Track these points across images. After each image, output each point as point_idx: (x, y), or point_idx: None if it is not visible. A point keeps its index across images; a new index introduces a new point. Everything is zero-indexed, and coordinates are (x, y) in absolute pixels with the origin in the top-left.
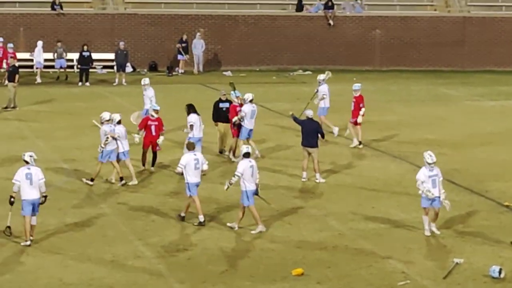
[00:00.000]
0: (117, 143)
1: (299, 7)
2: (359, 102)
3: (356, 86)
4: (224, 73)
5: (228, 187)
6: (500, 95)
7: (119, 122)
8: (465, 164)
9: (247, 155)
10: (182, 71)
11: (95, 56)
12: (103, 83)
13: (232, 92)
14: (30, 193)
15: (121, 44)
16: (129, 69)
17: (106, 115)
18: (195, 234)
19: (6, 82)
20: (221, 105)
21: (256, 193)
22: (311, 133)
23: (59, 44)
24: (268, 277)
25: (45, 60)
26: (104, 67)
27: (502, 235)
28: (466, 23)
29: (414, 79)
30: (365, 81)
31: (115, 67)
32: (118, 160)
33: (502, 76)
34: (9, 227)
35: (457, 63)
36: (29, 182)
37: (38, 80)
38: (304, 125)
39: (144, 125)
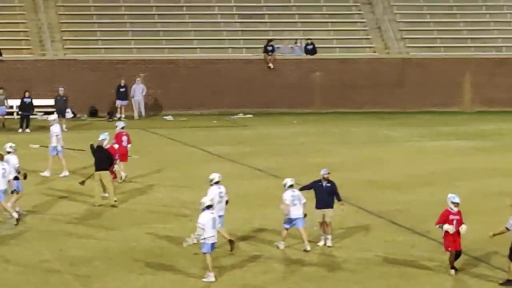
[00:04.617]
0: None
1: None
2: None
3: (117, 123)
4: (165, 117)
5: None
6: (440, 135)
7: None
8: (407, 205)
9: None
10: (123, 116)
11: (35, 102)
12: (43, 129)
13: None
14: None
15: (61, 90)
16: (69, 114)
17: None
18: (138, 280)
19: None
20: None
21: None
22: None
23: (0, 91)
24: None
25: None
26: (45, 113)
27: (444, 275)
28: (405, 65)
29: (355, 121)
30: (306, 123)
31: (55, 113)
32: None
33: (442, 116)
34: None
35: (397, 105)
36: None
37: None
38: (316, 187)
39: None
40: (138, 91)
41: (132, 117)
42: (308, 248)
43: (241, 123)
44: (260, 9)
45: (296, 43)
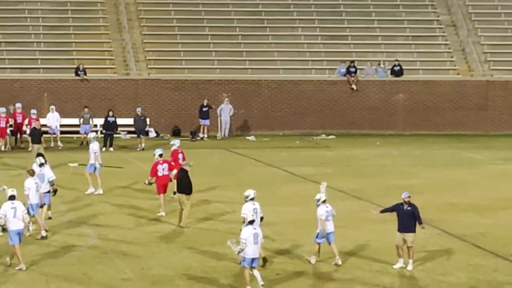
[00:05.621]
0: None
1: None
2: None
3: (173, 141)
4: (247, 138)
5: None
6: None
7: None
8: (490, 228)
9: (11, 197)
10: (206, 136)
11: (119, 121)
12: (125, 148)
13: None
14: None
15: (138, 110)
16: (152, 134)
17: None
18: None
19: (31, 147)
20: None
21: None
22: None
23: (86, 109)
24: None
25: (69, 125)
26: (128, 132)
27: None
28: (489, 87)
29: (438, 143)
30: (388, 145)
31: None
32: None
33: None
34: None
35: (481, 127)
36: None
37: (60, 145)
38: (398, 210)
39: None
40: (226, 110)
41: (214, 137)
42: (340, 262)
43: (324, 144)
44: (344, 30)
45: (379, 64)
